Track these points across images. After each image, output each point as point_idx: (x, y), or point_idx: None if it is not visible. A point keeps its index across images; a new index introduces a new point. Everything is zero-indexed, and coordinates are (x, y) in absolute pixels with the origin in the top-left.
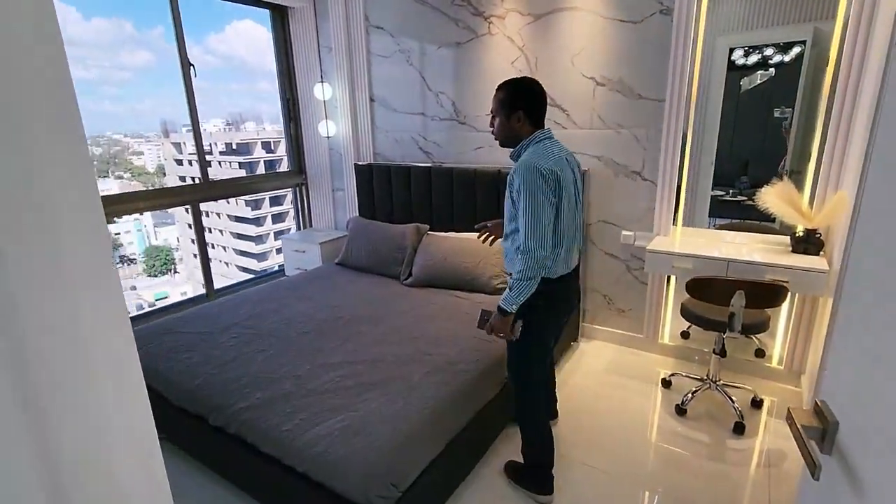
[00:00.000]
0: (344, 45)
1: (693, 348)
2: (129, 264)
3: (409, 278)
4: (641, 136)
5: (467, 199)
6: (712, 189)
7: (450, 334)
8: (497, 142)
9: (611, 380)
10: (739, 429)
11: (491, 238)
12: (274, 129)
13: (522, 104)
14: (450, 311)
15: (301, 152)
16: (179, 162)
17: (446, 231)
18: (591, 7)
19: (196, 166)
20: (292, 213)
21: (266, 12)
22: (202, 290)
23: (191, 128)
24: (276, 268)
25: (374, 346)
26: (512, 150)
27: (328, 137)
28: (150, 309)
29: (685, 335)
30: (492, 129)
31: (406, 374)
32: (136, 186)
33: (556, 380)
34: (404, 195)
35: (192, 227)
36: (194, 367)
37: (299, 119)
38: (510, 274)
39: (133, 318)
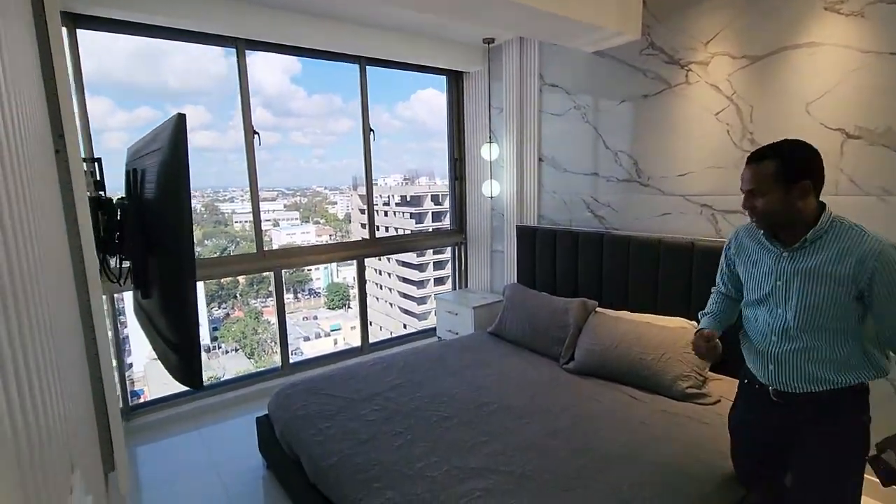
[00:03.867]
0: (515, 105)
1: None
2: (315, 297)
3: (570, 362)
4: None
5: (647, 273)
6: None
7: (622, 451)
8: (759, 224)
9: None
10: None
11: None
12: (443, 183)
13: (808, 174)
14: (621, 416)
15: (463, 211)
16: (363, 211)
17: (618, 309)
18: (840, 40)
19: (376, 215)
20: (450, 272)
21: (443, 78)
22: (374, 337)
23: (375, 182)
24: (428, 325)
25: (524, 453)
26: (792, 231)
27: (491, 198)
28: (308, 357)
29: None
30: (750, 210)
31: None
32: (327, 230)
33: None
34: (570, 263)
35: (357, 280)
36: (331, 441)
37: (464, 178)
38: (830, 388)
39: (300, 363)
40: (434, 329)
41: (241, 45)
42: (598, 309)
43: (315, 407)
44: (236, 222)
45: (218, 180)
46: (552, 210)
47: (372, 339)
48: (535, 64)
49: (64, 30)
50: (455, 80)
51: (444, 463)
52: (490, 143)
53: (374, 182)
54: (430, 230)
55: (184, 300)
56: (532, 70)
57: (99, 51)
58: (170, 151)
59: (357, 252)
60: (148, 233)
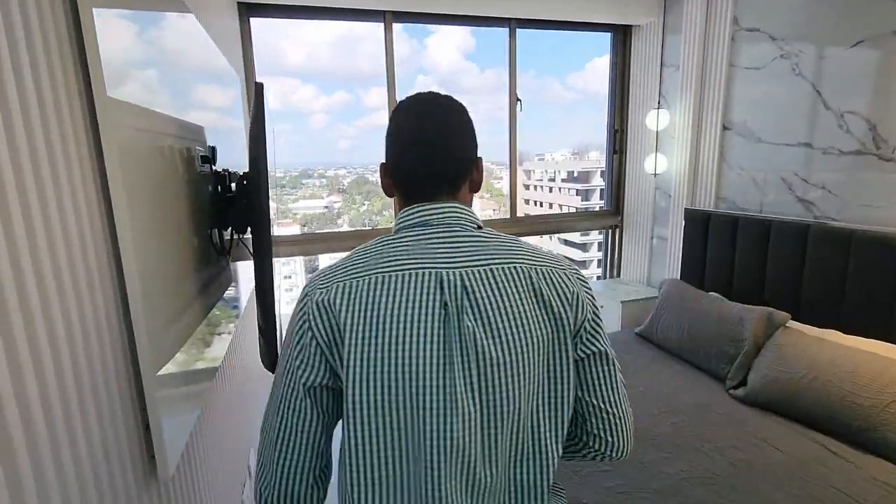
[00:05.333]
0: (695, 61)
1: None
2: None
3: (740, 387)
4: None
5: (875, 281)
6: None
7: None
8: None
9: None
10: None
11: None
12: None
13: (387, 148)
14: (807, 475)
15: (621, 190)
16: (527, 186)
17: (823, 327)
18: None
19: (540, 191)
20: (599, 258)
21: (608, 36)
22: None
23: (542, 157)
24: None
25: (658, 499)
26: None
27: (655, 175)
28: None
29: None
30: None
31: None
32: (491, 205)
33: None
34: (754, 260)
35: None
36: None
37: (624, 152)
38: None
39: None
40: None
41: (389, 17)
42: (791, 323)
43: None
44: None
45: None
46: (737, 191)
47: None
48: (727, 5)
49: (237, 19)
50: (622, 37)
51: None
52: (659, 109)
53: (540, 157)
54: (598, 209)
55: (259, 277)
56: (723, 13)
57: (307, 43)
58: (252, 122)
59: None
60: (247, 208)
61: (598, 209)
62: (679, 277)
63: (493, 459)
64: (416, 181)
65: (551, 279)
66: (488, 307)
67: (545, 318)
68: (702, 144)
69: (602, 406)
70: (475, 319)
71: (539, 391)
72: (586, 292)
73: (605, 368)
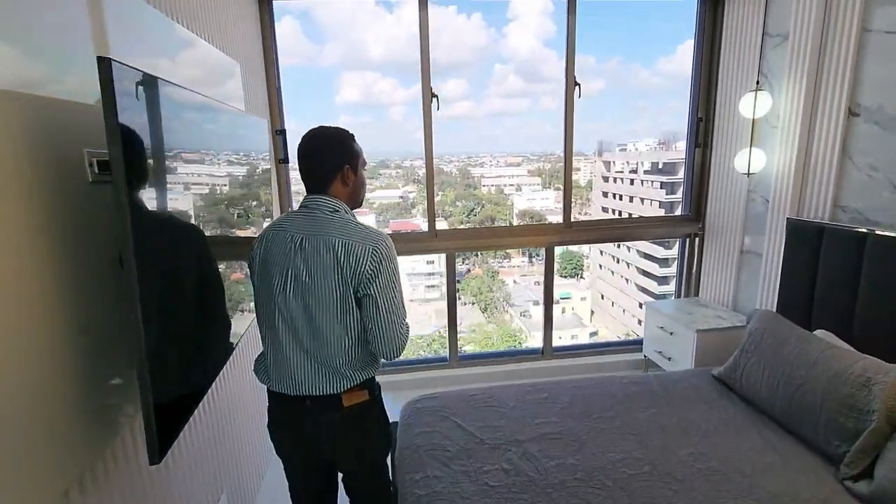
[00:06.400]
0: (811, 28)
1: None
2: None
3: (862, 480)
4: None
5: None
6: None
7: None
8: None
9: None
10: None
11: None
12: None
13: None
14: None
15: (704, 192)
16: (606, 179)
17: None
18: None
19: (620, 183)
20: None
21: (693, 5)
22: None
23: (623, 147)
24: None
25: None
26: None
27: (749, 174)
28: (477, 351)
29: None
30: None
31: None
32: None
33: None
34: (890, 294)
35: (544, 273)
36: (432, 501)
37: (710, 146)
38: None
39: (468, 357)
40: (641, 342)
41: None
42: None
43: (437, 438)
44: (483, 186)
45: (472, 147)
46: (865, 198)
47: (599, 320)
48: None
49: (255, 4)
50: (712, 4)
51: None
52: (757, 91)
53: (622, 147)
54: (679, 208)
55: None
56: None
57: (388, 37)
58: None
59: (546, 238)
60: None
61: (679, 209)
62: (776, 308)
63: (312, 339)
64: (305, 184)
65: (347, 247)
66: (309, 257)
67: (337, 269)
68: (816, 136)
69: (371, 327)
70: (302, 262)
71: (335, 309)
72: (373, 257)
73: (374, 305)
